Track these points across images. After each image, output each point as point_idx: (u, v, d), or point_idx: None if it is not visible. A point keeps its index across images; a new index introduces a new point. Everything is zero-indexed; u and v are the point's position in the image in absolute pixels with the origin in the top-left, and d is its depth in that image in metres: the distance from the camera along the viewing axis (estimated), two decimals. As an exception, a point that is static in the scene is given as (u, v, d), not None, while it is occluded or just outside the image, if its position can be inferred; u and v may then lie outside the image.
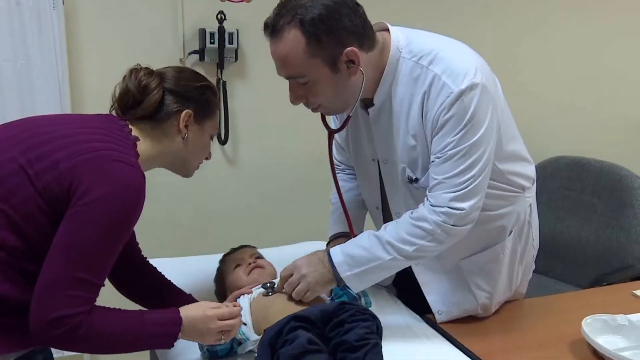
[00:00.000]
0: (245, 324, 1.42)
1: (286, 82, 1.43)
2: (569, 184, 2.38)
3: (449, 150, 1.37)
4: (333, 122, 1.64)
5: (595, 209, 2.29)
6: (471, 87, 1.35)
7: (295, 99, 1.43)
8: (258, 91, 2.52)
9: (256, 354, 1.28)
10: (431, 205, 1.39)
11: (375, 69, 1.43)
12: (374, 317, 1.28)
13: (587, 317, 1.46)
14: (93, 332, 1.19)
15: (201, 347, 1.42)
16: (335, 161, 1.81)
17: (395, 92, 1.45)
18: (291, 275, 1.45)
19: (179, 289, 1.56)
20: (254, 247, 1.78)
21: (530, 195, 1.64)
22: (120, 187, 1.20)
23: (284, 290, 1.46)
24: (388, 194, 1.58)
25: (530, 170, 1.62)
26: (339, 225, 1.69)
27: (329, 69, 1.35)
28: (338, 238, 1.67)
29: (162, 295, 1.52)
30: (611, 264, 2.20)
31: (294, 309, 1.39)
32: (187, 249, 2.41)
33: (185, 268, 1.91)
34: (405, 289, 1.72)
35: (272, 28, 1.35)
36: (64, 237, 1.19)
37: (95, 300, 1.21)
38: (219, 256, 2.02)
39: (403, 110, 1.44)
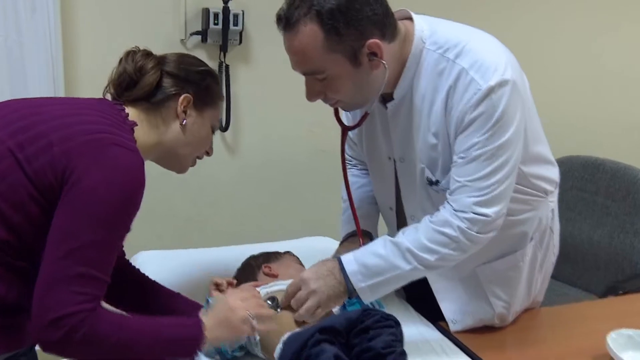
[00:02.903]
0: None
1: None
2: (581, 184, 2.29)
3: (475, 151, 1.27)
4: (345, 116, 1.54)
5: (609, 211, 2.20)
6: (501, 84, 1.25)
7: (312, 95, 1.32)
8: (262, 77, 2.41)
9: None
10: (454, 210, 1.29)
11: (397, 61, 1.32)
12: (398, 324, 1.20)
13: (611, 332, 1.38)
14: (98, 334, 1.08)
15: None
16: (345, 155, 1.71)
17: (417, 86, 1.35)
18: (298, 290, 1.33)
19: (168, 289, 1.47)
20: None
21: (553, 200, 1.55)
22: (119, 172, 1.11)
23: (290, 307, 1.34)
24: (403, 195, 1.49)
25: (554, 173, 1.53)
26: (351, 224, 1.59)
27: (349, 63, 1.25)
28: (353, 237, 1.56)
29: (148, 297, 1.43)
30: (624, 270, 2.11)
31: (304, 323, 1.30)
32: (183, 240, 2.32)
33: (181, 261, 1.82)
34: (416, 294, 1.63)
35: (286, 21, 1.24)
36: (59, 228, 1.09)
37: (100, 298, 1.11)
38: (217, 249, 1.94)
39: (425, 106, 1.34)
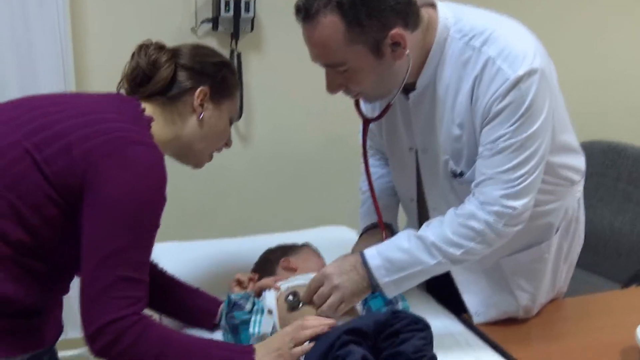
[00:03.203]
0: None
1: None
2: (603, 170, 2.25)
3: (502, 142, 1.23)
4: (364, 107, 1.50)
5: (631, 198, 2.17)
6: (530, 73, 1.21)
7: (333, 88, 1.28)
8: (275, 65, 2.37)
9: None
10: (480, 203, 1.26)
11: (421, 50, 1.28)
12: (428, 327, 1.17)
13: (640, 325, 1.35)
14: (145, 342, 1.07)
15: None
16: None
17: (440, 76, 1.31)
18: (320, 285, 1.30)
19: (186, 284, 1.46)
20: None
21: (580, 190, 1.51)
22: (141, 171, 1.10)
23: (313, 302, 1.31)
24: (425, 186, 1.45)
25: (581, 162, 1.49)
26: (372, 215, 1.55)
27: (371, 55, 1.21)
28: (373, 229, 1.53)
29: (166, 292, 1.41)
30: (646, 256, 2.09)
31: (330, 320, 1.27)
32: (195, 231, 2.29)
33: (196, 253, 1.81)
34: (437, 285, 1.60)
35: (306, 12, 1.20)
36: (90, 236, 1.08)
37: (145, 299, 1.09)
38: (232, 240, 1.92)
39: (449, 96, 1.30)
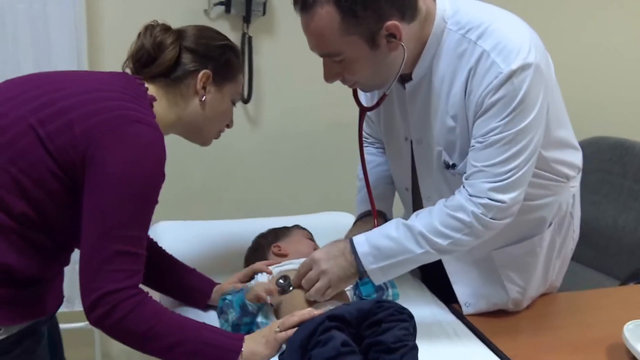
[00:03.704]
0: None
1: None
2: (609, 167, 2.23)
3: (493, 135, 1.24)
4: (364, 96, 1.51)
5: (637, 196, 2.15)
6: (523, 68, 1.21)
7: (330, 77, 1.30)
8: (286, 49, 2.38)
9: (283, 352, 1.18)
10: (469, 195, 1.27)
11: (417, 42, 1.29)
12: (411, 318, 1.19)
13: (629, 322, 1.36)
14: (139, 314, 1.11)
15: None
16: (363, 133, 1.69)
17: (436, 67, 1.31)
18: (309, 270, 1.33)
19: (183, 264, 1.49)
20: None
21: (575, 185, 1.51)
22: (141, 148, 1.13)
23: (302, 287, 1.34)
24: (420, 176, 1.47)
25: (577, 158, 1.49)
26: (366, 203, 1.57)
27: (367, 46, 1.22)
28: (368, 216, 1.55)
29: (163, 271, 1.45)
30: (648, 255, 2.08)
31: (320, 304, 1.30)
32: (200, 211, 2.33)
33: (199, 232, 1.84)
34: (430, 274, 1.62)
35: (303, 3, 1.21)
36: (90, 211, 1.12)
37: (142, 272, 1.14)
38: (234, 222, 1.95)
39: (444, 87, 1.31)
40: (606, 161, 2.24)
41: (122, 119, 1.14)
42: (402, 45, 1.24)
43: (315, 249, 1.53)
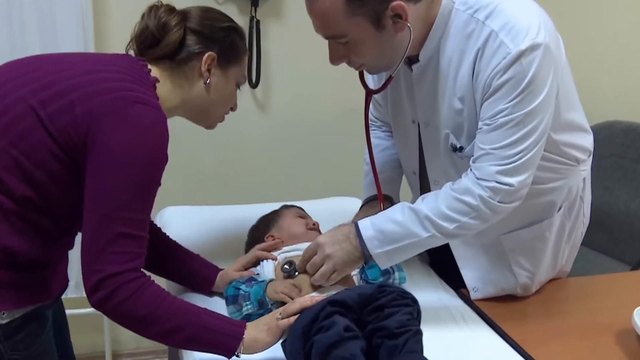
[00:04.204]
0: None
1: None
2: (622, 151, 2.20)
3: (501, 117, 1.22)
4: (371, 79, 1.49)
5: (648, 180, 2.12)
6: (532, 48, 1.18)
7: (335, 59, 1.28)
8: (294, 33, 2.35)
9: (284, 340, 1.18)
10: (476, 178, 1.25)
11: (424, 22, 1.27)
12: (415, 302, 1.17)
13: (638, 308, 1.34)
14: (140, 297, 1.09)
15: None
16: (370, 117, 1.68)
17: (444, 48, 1.29)
18: (314, 254, 1.31)
19: (186, 249, 1.48)
20: None
21: (585, 169, 1.49)
22: (143, 131, 1.11)
23: (306, 271, 1.33)
24: (427, 159, 1.45)
25: (588, 141, 1.46)
26: (373, 187, 1.56)
27: (372, 27, 1.20)
28: (374, 200, 1.54)
29: (164, 255, 1.44)
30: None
31: (325, 289, 1.29)
32: (208, 196, 2.33)
33: (207, 217, 1.84)
34: (438, 259, 1.61)
35: None
36: (92, 193, 1.11)
37: (144, 255, 1.13)
38: (242, 207, 1.94)
39: (451, 69, 1.29)
40: (619, 146, 2.21)
41: (123, 100, 1.13)
42: (408, 26, 1.22)
43: (308, 225, 1.53)
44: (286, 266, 1.36)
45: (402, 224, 1.28)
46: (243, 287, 1.33)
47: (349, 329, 1.07)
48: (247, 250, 1.55)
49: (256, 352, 1.17)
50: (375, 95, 1.57)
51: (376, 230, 1.29)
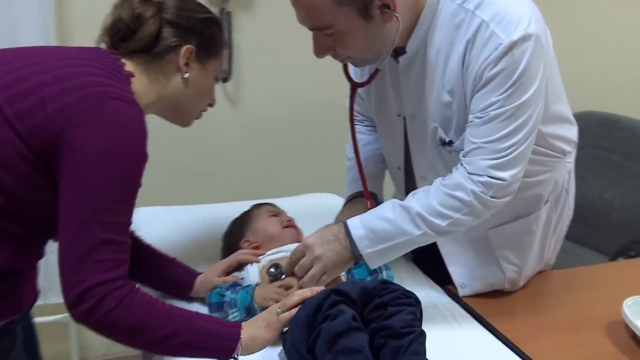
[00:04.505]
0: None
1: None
2: (597, 142, 2.21)
3: (492, 110, 1.19)
4: (353, 71, 1.45)
5: (624, 171, 2.14)
6: (524, 39, 1.16)
7: (320, 51, 1.23)
8: (266, 25, 2.30)
9: (285, 331, 1.13)
10: (468, 173, 1.22)
11: (412, 13, 1.23)
12: (418, 302, 1.14)
13: (628, 299, 1.33)
14: (128, 306, 1.03)
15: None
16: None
17: (431, 39, 1.26)
18: (302, 256, 1.27)
19: (162, 253, 1.41)
20: None
21: (570, 161, 1.48)
22: (119, 128, 1.05)
23: (294, 274, 1.29)
24: (413, 154, 1.41)
25: (573, 133, 1.45)
26: (357, 183, 1.52)
27: (360, 17, 1.16)
28: (358, 197, 1.50)
29: (139, 260, 1.35)
30: (637, 231, 2.06)
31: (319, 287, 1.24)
32: (183, 195, 2.25)
33: (182, 218, 1.77)
34: (423, 256, 1.58)
35: None
36: (69, 197, 1.03)
37: (127, 261, 1.05)
38: (217, 206, 1.88)
39: (440, 60, 1.25)
40: (595, 136, 2.22)
41: (98, 96, 1.06)
42: (397, 16, 1.18)
43: (283, 222, 1.47)
44: (272, 269, 1.31)
45: (393, 222, 1.25)
46: (228, 293, 1.27)
47: (356, 319, 1.04)
48: (223, 257, 1.49)
49: (255, 351, 1.13)
50: (358, 89, 1.53)
51: (366, 229, 1.25)
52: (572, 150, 1.45)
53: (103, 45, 1.24)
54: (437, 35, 1.25)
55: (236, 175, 2.40)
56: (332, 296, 1.06)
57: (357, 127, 1.62)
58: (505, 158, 1.20)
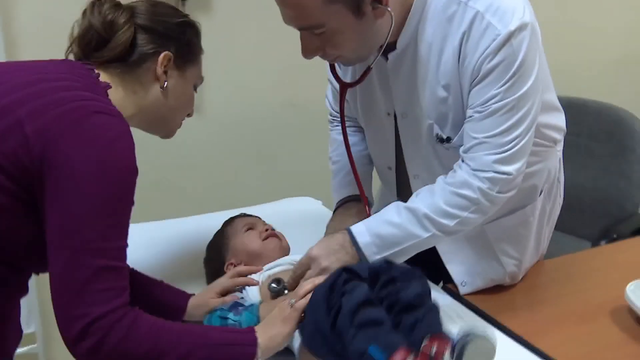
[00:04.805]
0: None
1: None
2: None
3: (494, 103, 1.16)
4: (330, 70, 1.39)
5: (593, 153, 2.15)
6: (521, 28, 1.13)
7: (309, 52, 1.17)
8: (224, 27, 2.20)
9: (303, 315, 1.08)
10: (472, 170, 1.18)
11: (402, 7, 1.18)
12: (423, 277, 1.11)
13: (630, 284, 1.33)
14: (135, 334, 0.94)
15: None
16: (332, 112, 1.58)
17: (422, 34, 1.21)
18: (307, 269, 1.20)
19: (146, 276, 1.32)
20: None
21: (560, 149, 1.47)
22: (107, 143, 0.96)
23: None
24: (406, 153, 1.37)
25: (562, 120, 1.44)
26: (346, 188, 1.46)
27: (352, 15, 1.10)
28: (348, 202, 1.44)
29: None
30: (609, 212, 2.08)
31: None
32: (149, 210, 2.13)
33: (151, 235, 1.66)
34: (419, 257, 1.53)
35: None
36: (58, 226, 0.93)
37: (127, 288, 0.96)
38: (185, 220, 1.78)
39: (432, 55, 1.21)
40: (561, 121, 2.23)
41: (80, 111, 0.97)
42: (389, 11, 1.13)
43: (262, 234, 1.40)
44: (274, 285, 1.23)
45: (400, 225, 1.20)
46: (231, 315, 1.19)
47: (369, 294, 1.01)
48: (209, 282, 1.40)
49: (277, 350, 1.07)
50: (338, 88, 1.47)
51: (372, 235, 1.20)
52: (561, 139, 1.44)
53: (71, 57, 1.15)
54: (428, 29, 1.20)
55: (205, 185, 2.31)
56: (343, 274, 1.04)
57: (339, 129, 1.56)
58: (510, 152, 1.17)
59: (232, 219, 1.49)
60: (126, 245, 0.99)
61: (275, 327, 1.07)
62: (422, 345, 0.93)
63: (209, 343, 1.01)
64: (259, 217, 1.52)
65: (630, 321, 1.31)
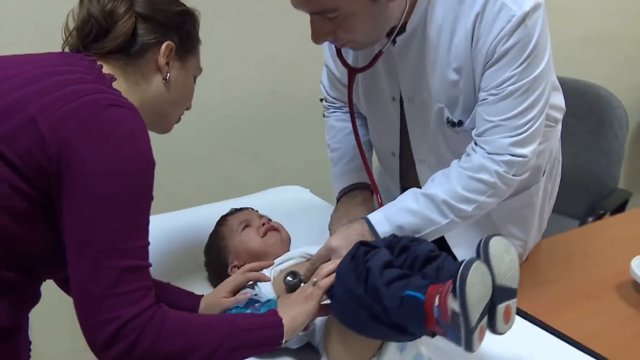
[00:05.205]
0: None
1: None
2: (544, 105, 2.25)
3: (509, 86, 1.14)
4: (331, 56, 1.35)
5: (573, 131, 2.18)
6: (535, 8, 1.12)
7: (320, 37, 1.13)
8: (203, 20, 2.13)
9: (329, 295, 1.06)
10: (488, 153, 1.17)
11: None
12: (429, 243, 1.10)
13: (635, 258, 1.35)
14: (166, 332, 0.90)
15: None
16: (329, 98, 1.55)
17: (431, 16, 1.19)
18: (327, 260, 1.17)
19: (158, 280, 1.26)
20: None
21: (559, 129, 1.47)
22: (124, 137, 0.91)
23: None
24: (412, 138, 1.35)
25: (561, 99, 1.45)
26: (348, 175, 1.43)
27: None
28: (352, 191, 1.41)
29: None
30: (591, 189, 2.12)
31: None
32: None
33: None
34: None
35: None
36: (79, 227, 0.88)
37: (152, 287, 0.92)
38: (175, 214, 1.73)
39: (443, 38, 1.19)
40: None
41: (95, 105, 0.92)
42: None
43: (259, 230, 1.35)
44: (289, 278, 1.20)
45: (419, 213, 1.18)
46: (249, 312, 1.15)
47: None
48: (215, 285, 1.33)
49: (300, 329, 1.05)
50: (337, 74, 1.44)
51: (391, 223, 1.18)
52: (561, 118, 1.45)
53: (67, 49, 1.08)
54: (438, 11, 1.18)
55: (189, 179, 2.24)
56: (361, 247, 1.03)
57: (336, 114, 1.54)
58: (525, 134, 1.17)
59: (224, 218, 1.42)
60: (148, 243, 0.94)
61: (297, 307, 1.04)
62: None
63: (238, 331, 0.98)
64: (252, 209, 1.47)
65: (636, 296, 1.33)
